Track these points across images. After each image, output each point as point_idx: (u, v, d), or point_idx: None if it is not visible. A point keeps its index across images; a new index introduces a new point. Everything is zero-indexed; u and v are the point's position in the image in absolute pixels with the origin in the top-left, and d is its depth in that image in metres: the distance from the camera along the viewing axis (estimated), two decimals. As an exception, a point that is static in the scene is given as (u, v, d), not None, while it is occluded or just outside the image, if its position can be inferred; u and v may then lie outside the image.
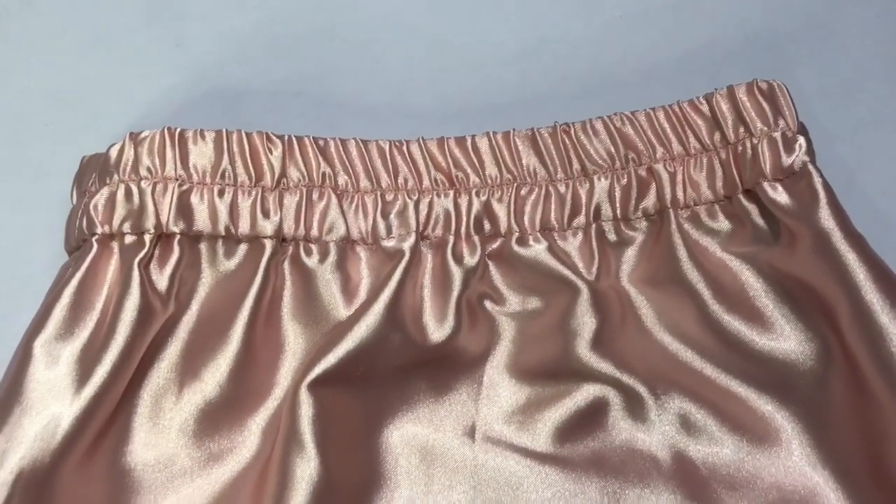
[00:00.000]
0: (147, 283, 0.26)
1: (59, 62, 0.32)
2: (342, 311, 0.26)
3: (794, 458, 0.26)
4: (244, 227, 0.26)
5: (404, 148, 0.27)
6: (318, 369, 0.25)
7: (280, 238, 0.27)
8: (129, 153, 0.27)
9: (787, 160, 0.26)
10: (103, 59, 0.32)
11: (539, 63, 0.31)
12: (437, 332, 0.26)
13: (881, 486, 0.25)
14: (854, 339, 0.25)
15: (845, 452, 0.25)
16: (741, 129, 0.27)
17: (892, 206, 0.30)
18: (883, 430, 0.25)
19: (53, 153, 0.30)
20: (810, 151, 0.27)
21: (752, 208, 0.27)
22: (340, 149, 0.27)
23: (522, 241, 0.27)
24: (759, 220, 0.27)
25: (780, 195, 0.26)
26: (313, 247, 0.27)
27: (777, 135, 0.26)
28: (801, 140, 0.27)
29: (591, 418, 0.25)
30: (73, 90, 0.31)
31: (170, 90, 0.31)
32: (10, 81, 0.32)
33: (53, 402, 0.25)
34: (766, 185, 0.26)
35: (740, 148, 0.27)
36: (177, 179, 0.26)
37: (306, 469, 0.24)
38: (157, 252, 0.26)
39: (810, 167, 0.26)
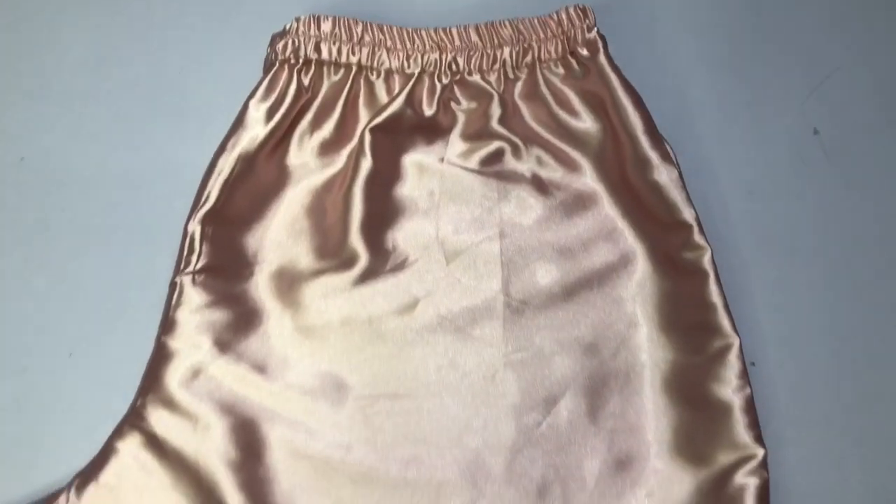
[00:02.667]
0: (300, 82, 0.52)
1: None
2: (385, 100, 0.53)
3: (587, 178, 0.53)
4: (343, 59, 0.52)
5: (421, 31, 0.52)
6: (373, 122, 0.51)
7: (359, 66, 0.52)
8: (294, 25, 0.52)
9: (588, 35, 0.52)
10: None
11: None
12: (427, 111, 0.52)
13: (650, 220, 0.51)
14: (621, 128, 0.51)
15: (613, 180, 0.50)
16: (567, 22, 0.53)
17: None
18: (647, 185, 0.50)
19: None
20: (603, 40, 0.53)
21: (574, 63, 0.53)
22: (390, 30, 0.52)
23: (470, 74, 0.52)
24: (577, 68, 0.52)
25: (586, 56, 0.52)
26: (376, 73, 0.52)
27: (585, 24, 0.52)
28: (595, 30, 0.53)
29: (497, 156, 0.51)
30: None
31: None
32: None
33: (257, 126, 0.51)
34: (579, 49, 0.53)
35: (569, 33, 0.52)
36: (314, 37, 0.52)
37: (365, 165, 0.51)
38: (303, 68, 0.51)
39: (599, 44, 0.52)
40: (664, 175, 0.50)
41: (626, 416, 0.47)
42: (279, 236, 0.50)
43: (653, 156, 0.50)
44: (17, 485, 0.47)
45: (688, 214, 0.49)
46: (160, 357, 0.47)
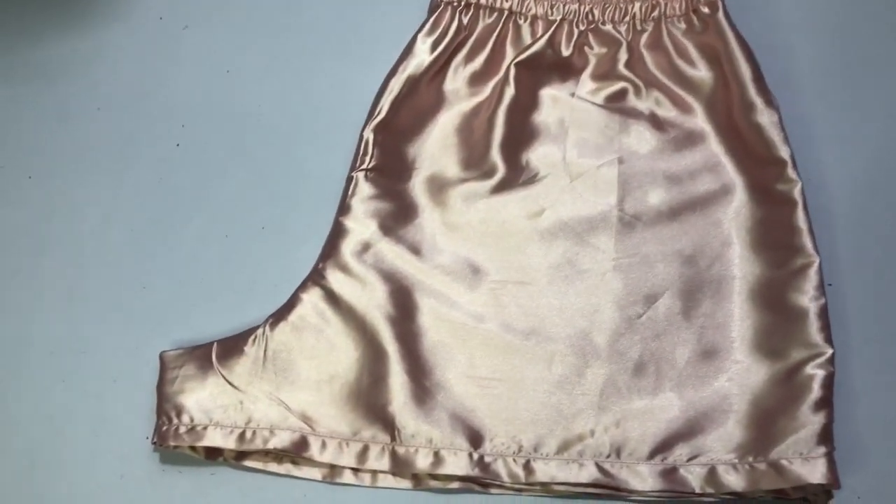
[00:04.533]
0: (460, 21, 0.58)
1: None
2: (529, 41, 0.59)
3: (698, 118, 0.58)
4: (497, 4, 0.58)
5: None
6: (518, 58, 0.58)
7: (510, 11, 0.58)
8: None
9: None
10: None
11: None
12: (564, 52, 0.58)
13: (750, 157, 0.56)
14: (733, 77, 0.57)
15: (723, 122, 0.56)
16: None
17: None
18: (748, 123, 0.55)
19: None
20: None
21: (695, 19, 0.58)
22: None
23: (603, 24, 0.58)
24: (697, 24, 0.57)
25: (706, 13, 0.57)
26: (523, 17, 0.58)
27: None
28: None
29: (621, 95, 0.57)
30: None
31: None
32: None
33: (422, 55, 0.57)
34: (701, 7, 0.57)
35: None
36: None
37: (508, 94, 0.57)
38: (463, 10, 0.58)
39: (719, 3, 0.57)
40: (766, 117, 0.56)
41: (715, 316, 0.54)
42: (433, 148, 0.58)
43: (758, 101, 0.56)
44: (224, 324, 0.56)
45: (784, 152, 0.55)
46: (337, 233, 0.56)
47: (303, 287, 0.55)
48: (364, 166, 0.57)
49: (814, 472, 0.49)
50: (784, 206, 0.55)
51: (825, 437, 0.50)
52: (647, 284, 0.55)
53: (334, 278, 0.55)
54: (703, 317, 0.54)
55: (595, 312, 0.54)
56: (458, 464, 0.52)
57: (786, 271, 0.54)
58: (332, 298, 0.55)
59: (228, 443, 0.52)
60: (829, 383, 0.51)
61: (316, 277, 0.55)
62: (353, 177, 0.57)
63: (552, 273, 0.55)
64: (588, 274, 0.55)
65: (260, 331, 0.54)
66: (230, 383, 0.53)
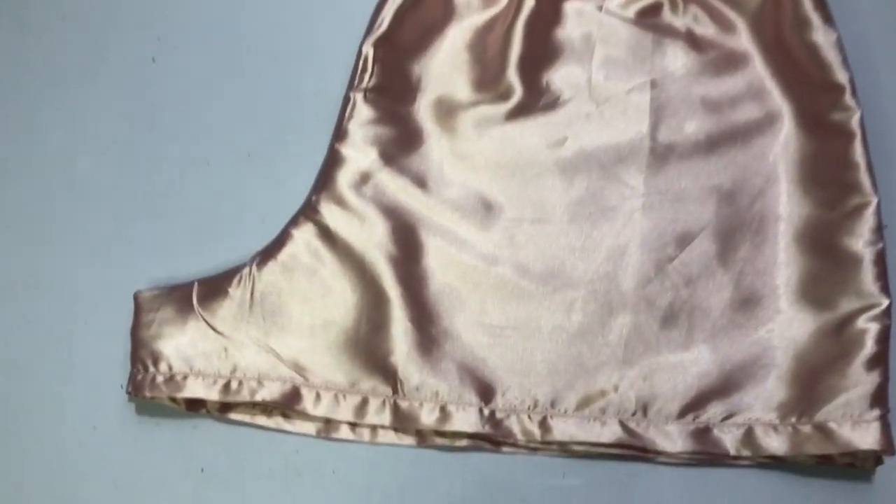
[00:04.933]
0: None
1: None
2: None
3: (741, 38, 0.53)
4: None
5: None
6: None
7: None
8: None
9: None
10: None
11: None
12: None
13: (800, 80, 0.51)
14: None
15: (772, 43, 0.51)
16: None
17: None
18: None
19: None
20: None
21: None
22: None
23: None
24: None
25: None
26: None
27: None
28: None
29: (655, 10, 0.52)
30: None
31: None
32: None
33: None
34: None
35: None
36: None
37: (527, 5, 0.52)
38: None
39: None
40: (823, 36, 0.50)
41: (755, 261, 0.50)
42: (441, 67, 0.53)
43: (814, 17, 0.51)
44: (206, 262, 0.52)
45: (842, 76, 0.50)
46: (333, 161, 0.51)
47: (294, 222, 0.51)
48: (363, 85, 0.52)
49: (865, 436, 0.46)
50: (839, 138, 0.50)
51: (879, 398, 0.47)
52: (679, 224, 0.50)
53: (329, 213, 0.51)
54: (742, 261, 0.50)
55: (621, 255, 0.50)
56: (466, 420, 0.49)
57: (838, 212, 0.49)
58: (327, 235, 0.51)
59: (211, 394, 0.49)
60: (884, 338, 0.47)
61: (308, 212, 0.51)
62: (350, 97, 0.52)
63: (574, 210, 0.51)
64: (614, 212, 0.51)
65: (246, 270, 0.50)
66: (213, 328, 0.49)
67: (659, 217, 0.51)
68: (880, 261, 0.48)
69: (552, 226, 0.51)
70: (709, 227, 0.50)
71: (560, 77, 0.52)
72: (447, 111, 0.53)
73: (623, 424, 0.48)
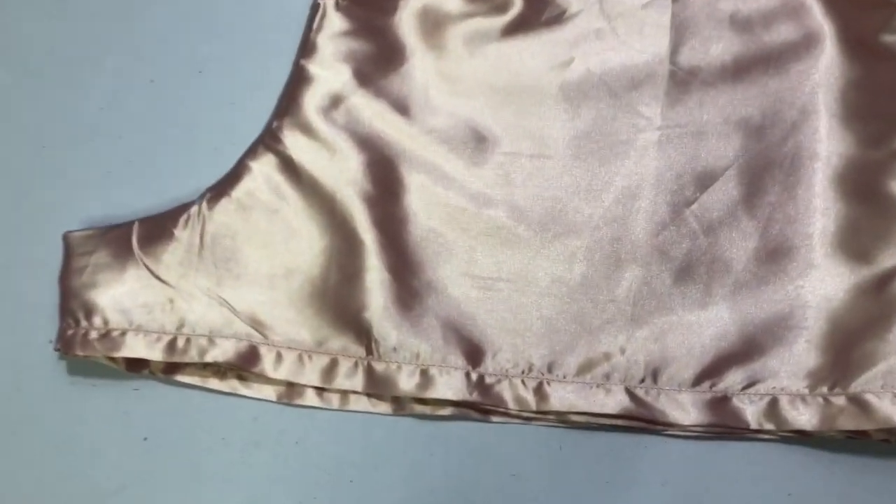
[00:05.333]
0: None
1: None
2: None
3: None
4: None
5: None
6: None
7: None
8: None
9: None
10: None
11: None
12: None
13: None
14: None
15: None
16: None
17: None
18: None
19: None
20: None
21: None
22: None
23: None
24: None
25: None
26: None
27: None
28: None
29: None
30: None
31: None
32: None
33: None
34: None
35: None
36: None
37: None
38: None
39: None
40: None
41: (786, 207, 0.44)
42: None
43: None
44: (148, 198, 0.47)
45: None
46: (299, 80, 0.46)
47: (252, 152, 0.46)
48: (334, -10, 0.48)
49: (908, 410, 0.42)
50: (889, 65, 0.45)
51: (926, 366, 0.43)
52: (700, 162, 0.45)
53: (294, 142, 0.46)
54: (771, 206, 0.45)
55: (632, 197, 0.45)
56: (451, 385, 0.44)
57: (885, 151, 0.45)
58: (291, 169, 0.46)
59: (154, 353, 0.43)
60: (933, 302, 0.43)
61: (269, 140, 0.46)
62: (319, 4, 0.47)
63: (579, 144, 0.46)
64: (626, 146, 0.46)
65: (195, 209, 0.45)
66: (156, 276, 0.44)
67: (677, 153, 0.46)
68: (931, 209, 0.44)
69: (553, 162, 0.46)
70: (734, 167, 0.45)
71: (567, -14, 0.48)
72: (434, 24, 0.47)
73: (630, 392, 0.43)
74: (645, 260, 0.45)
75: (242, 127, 0.46)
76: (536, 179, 0.46)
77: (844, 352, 0.43)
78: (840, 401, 0.42)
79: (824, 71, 0.45)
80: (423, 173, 0.46)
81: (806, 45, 0.46)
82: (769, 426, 0.43)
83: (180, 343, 0.44)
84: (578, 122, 0.46)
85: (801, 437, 0.44)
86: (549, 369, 0.44)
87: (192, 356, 0.44)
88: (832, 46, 0.45)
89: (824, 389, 0.43)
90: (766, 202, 0.45)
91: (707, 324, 0.44)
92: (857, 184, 0.45)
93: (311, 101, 0.46)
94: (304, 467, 0.45)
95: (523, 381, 0.44)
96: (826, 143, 0.45)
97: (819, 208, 0.44)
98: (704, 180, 0.45)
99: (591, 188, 0.46)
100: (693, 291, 0.44)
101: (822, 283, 0.44)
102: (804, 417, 0.42)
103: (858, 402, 0.42)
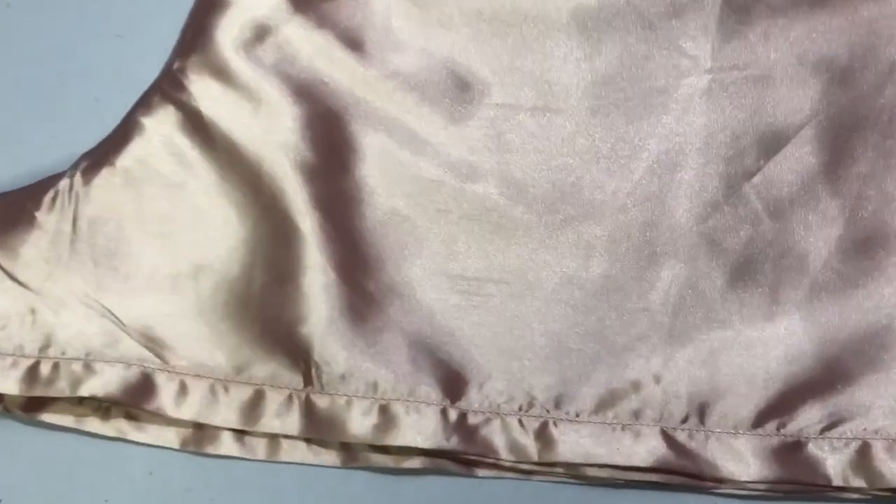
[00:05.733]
0: None
1: None
2: None
3: None
4: None
5: None
6: None
7: None
8: None
9: None
10: None
11: None
12: None
13: None
14: None
15: None
16: None
17: None
18: None
19: None
20: None
21: None
22: None
23: None
24: None
25: None
26: None
27: None
28: None
29: None
30: None
31: None
32: None
33: None
34: None
35: None
36: None
37: None
38: None
39: None
40: None
41: (882, 180, 0.37)
42: None
43: None
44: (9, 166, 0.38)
45: None
46: (209, 4, 0.38)
47: (144, 105, 0.37)
48: None
49: None
50: None
51: None
52: (765, 119, 0.37)
53: (203, 90, 0.37)
54: (862, 180, 0.37)
55: (672, 167, 0.37)
56: (422, 427, 0.35)
57: None
58: (199, 127, 0.37)
59: (7, 384, 0.35)
60: None
61: (168, 87, 0.37)
62: None
63: (599, 93, 0.38)
64: (663, 97, 0.38)
65: (65, 183, 0.36)
66: (11, 276, 0.36)
67: (733, 107, 0.37)
68: None
69: (564, 118, 0.38)
70: (811, 125, 0.37)
71: None
72: (399, -72, 0.40)
73: (667, 436, 0.35)
74: (689, 254, 0.37)
75: (131, 69, 0.38)
76: (540, 142, 0.38)
77: (965, 382, 0.35)
78: (959, 450, 0.35)
79: None
80: (383, 133, 0.38)
81: None
82: (858, 482, 0.35)
83: (45, 370, 0.35)
84: (598, 63, 0.38)
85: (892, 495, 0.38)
86: (557, 405, 0.36)
87: (62, 388, 0.35)
88: None
89: (936, 433, 0.35)
90: (855, 174, 0.37)
91: (774, 342, 0.36)
92: None
93: (228, 33, 0.38)
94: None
95: (521, 421, 0.36)
96: None
97: None
98: (771, 144, 0.37)
99: (615, 154, 0.38)
100: (754, 297, 0.37)
101: None
102: (908, 472, 0.35)
103: (985, 453, 0.35)
